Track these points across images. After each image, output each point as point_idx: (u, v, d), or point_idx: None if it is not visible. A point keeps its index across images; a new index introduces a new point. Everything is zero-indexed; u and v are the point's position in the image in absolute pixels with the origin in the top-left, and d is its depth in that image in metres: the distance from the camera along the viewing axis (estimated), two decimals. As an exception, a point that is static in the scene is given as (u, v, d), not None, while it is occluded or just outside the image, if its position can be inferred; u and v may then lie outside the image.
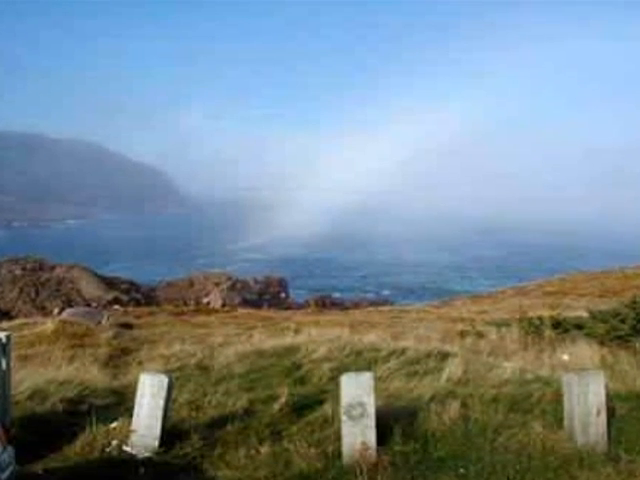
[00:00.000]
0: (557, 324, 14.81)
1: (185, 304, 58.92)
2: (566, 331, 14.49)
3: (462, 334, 16.48)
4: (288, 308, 59.85)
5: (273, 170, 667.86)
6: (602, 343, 12.97)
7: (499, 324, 17.10)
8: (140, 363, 14.22)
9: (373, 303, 69.13)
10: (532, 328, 14.67)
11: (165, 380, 7.12)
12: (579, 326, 14.74)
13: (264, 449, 6.93)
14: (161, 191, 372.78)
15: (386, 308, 43.36)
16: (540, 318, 15.17)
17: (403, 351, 11.77)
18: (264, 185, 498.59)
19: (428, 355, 11.47)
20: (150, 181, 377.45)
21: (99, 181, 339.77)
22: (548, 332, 14.34)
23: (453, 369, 10.03)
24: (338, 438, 6.85)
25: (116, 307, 45.42)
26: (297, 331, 17.71)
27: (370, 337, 14.22)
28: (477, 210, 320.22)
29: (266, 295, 78.40)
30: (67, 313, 27.15)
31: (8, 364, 7.29)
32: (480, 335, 15.83)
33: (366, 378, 6.85)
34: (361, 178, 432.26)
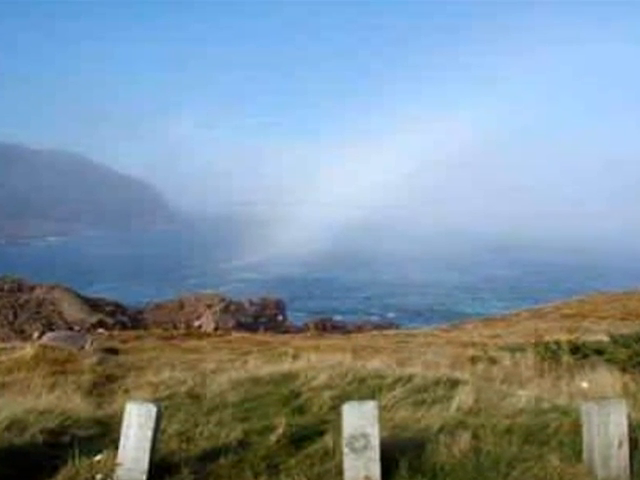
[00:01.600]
0: (576, 349, 14.82)
1: (175, 328, 58.92)
2: (585, 357, 14.50)
3: (473, 360, 16.47)
4: (286, 332, 59.83)
5: (270, 183, 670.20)
6: (624, 370, 12.96)
7: (513, 349, 17.09)
8: (126, 391, 14.20)
9: (377, 326, 69.30)
10: (549, 353, 14.67)
11: (153, 409, 7.12)
12: (599, 351, 14.76)
13: (260, 484, 6.91)
14: (149, 206, 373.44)
15: (391, 332, 43.38)
16: (557, 343, 15.18)
17: (410, 378, 11.75)
18: (260, 199, 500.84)
19: (437, 382, 11.45)
20: (137, 195, 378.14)
21: (82, 195, 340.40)
22: (566, 358, 14.34)
23: (463, 398, 10.02)
24: (340, 472, 6.84)
25: (100, 331, 45.36)
26: (295, 357, 17.68)
27: (374, 363, 14.20)
28: (489, 226, 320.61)
29: (262, 318, 78.37)
30: (48, 337, 27.08)
31: (-15, 392, 7.31)
32: (493, 361, 15.82)
33: (370, 407, 6.86)
34: (364, 192, 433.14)
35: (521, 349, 16.60)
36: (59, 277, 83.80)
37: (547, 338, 16.55)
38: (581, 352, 14.71)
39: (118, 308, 69.40)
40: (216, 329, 60.87)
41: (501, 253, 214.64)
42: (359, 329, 65.37)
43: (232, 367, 16.10)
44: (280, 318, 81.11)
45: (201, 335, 39.80)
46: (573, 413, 8.54)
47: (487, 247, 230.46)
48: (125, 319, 65.67)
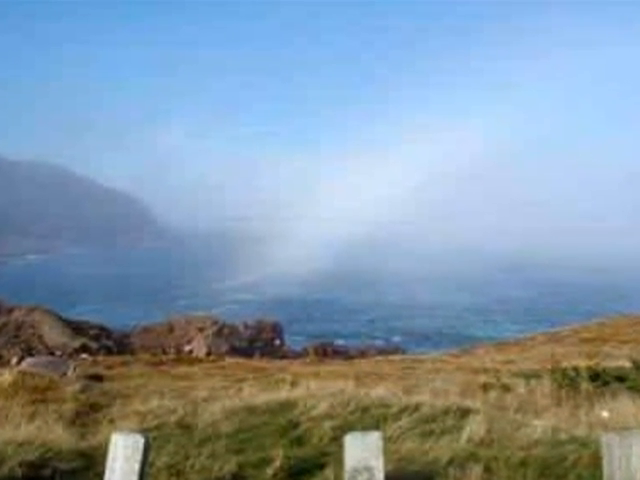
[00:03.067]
0: (595, 376, 14.81)
1: (164, 353, 58.91)
2: (606, 384, 14.49)
3: (485, 387, 16.46)
4: (283, 357, 59.89)
5: (266, 197, 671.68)
6: (647, 398, 12.96)
7: (528, 376, 17.09)
8: (112, 421, 14.18)
9: (382, 351, 69.29)
10: (566, 380, 14.67)
11: (141, 441, 7.12)
12: (621, 378, 14.75)
13: (256, 521, 6.92)
14: (136, 221, 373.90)
15: (397, 357, 43.35)
16: (576, 369, 15.19)
17: (417, 407, 11.74)
18: (255, 214, 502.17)
19: (446, 412, 11.45)
20: (123, 210, 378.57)
21: (64, 210, 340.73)
22: (585, 385, 14.34)
23: (475, 428, 10.01)
24: (341, 508, 6.85)
25: (84, 356, 45.35)
26: (294, 384, 17.67)
27: (378, 391, 14.19)
28: (502, 243, 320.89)
29: (258, 342, 78.30)
30: (27, 363, 27.09)
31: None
32: (506, 389, 15.82)
33: (374, 439, 6.86)
34: (368, 206, 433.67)
35: (536, 376, 16.59)
36: (39, 298, 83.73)
37: (565, 364, 16.53)
38: (601, 379, 14.70)
39: (103, 331, 69.30)
40: (208, 354, 60.85)
41: (515, 272, 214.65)
42: (362, 354, 65.34)
43: (226, 395, 16.09)
44: (277, 342, 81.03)
45: (192, 361, 39.75)
46: (592, 445, 8.54)
47: (500, 266, 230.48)
48: (110, 343, 65.56)
